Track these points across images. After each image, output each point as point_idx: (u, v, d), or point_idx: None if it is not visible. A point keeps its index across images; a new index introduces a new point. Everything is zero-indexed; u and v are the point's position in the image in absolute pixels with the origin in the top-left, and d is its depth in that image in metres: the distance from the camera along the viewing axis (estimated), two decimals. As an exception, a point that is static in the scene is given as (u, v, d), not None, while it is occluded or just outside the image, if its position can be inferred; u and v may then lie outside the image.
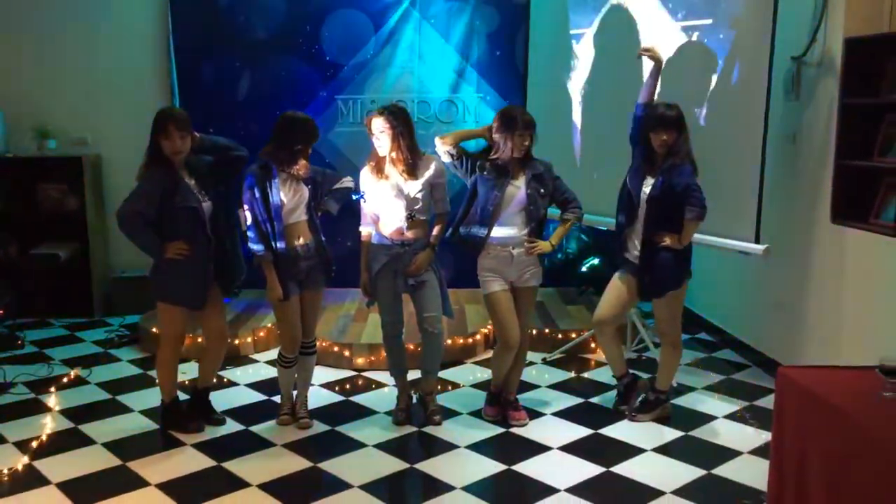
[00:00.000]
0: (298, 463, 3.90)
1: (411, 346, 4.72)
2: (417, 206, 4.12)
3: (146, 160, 3.93)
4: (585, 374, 5.16)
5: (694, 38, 4.84)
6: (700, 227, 4.10)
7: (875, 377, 2.95)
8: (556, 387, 4.93)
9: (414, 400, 4.50)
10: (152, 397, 4.56)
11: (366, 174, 4.19)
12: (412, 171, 4.09)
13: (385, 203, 4.13)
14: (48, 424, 4.37)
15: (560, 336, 5.58)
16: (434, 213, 4.24)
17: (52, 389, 4.89)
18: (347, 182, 4.25)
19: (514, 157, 4.07)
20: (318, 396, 4.71)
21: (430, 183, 4.14)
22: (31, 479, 3.72)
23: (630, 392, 4.44)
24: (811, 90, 4.61)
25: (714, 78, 4.72)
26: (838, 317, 4.39)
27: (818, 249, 4.57)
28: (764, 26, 4.30)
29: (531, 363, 5.23)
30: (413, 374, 4.48)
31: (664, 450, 4.04)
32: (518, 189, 4.10)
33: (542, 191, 4.13)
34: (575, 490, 3.62)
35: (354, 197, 4.26)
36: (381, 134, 4.04)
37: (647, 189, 4.09)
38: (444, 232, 4.24)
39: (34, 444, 4.11)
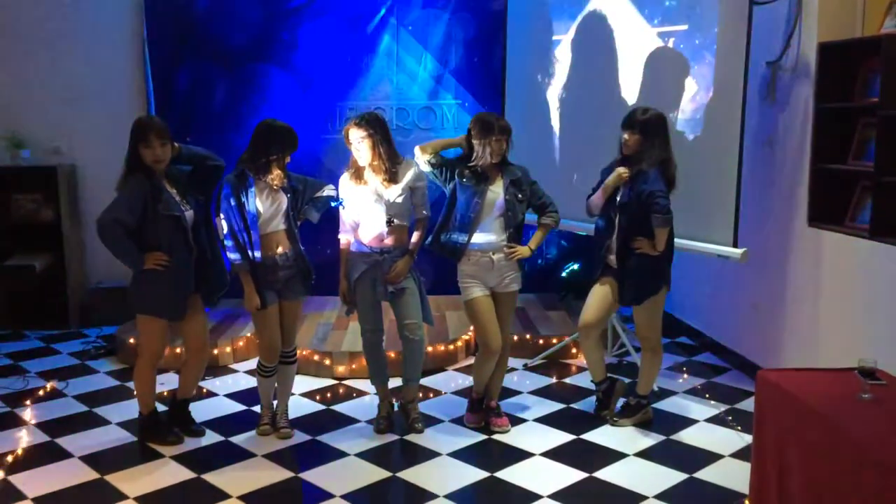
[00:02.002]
0: (279, 473, 3.87)
1: (392, 354, 4.70)
2: (397, 211, 4.11)
3: (126, 170, 3.88)
4: (567, 380, 5.17)
5: (670, 43, 4.87)
6: (676, 230, 4.12)
7: (853, 379, 2.98)
8: (538, 393, 4.93)
9: (395, 408, 4.48)
10: (130, 409, 4.50)
11: (345, 181, 4.18)
12: (392, 178, 4.08)
13: (365, 209, 4.12)
14: (24, 438, 4.30)
15: (541, 342, 5.58)
16: (414, 219, 4.24)
17: (28, 402, 4.82)
18: (329, 190, 4.24)
19: (492, 163, 4.08)
20: (298, 406, 4.67)
21: (410, 187, 4.13)
22: (6, 495, 3.66)
23: (609, 396, 4.45)
24: (786, 95, 4.66)
25: (690, 83, 4.75)
26: (816, 319, 4.42)
27: (795, 252, 4.61)
28: (739, 32, 4.33)
29: (512, 369, 5.22)
30: (394, 382, 4.46)
31: (646, 454, 4.05)
32: (497, 195, 4.11)
33: (519, 196, 4.14)
34: (558, 496, 3.62)
35: (333, 204, 4.24)
36: (360, 144, 4.02)
37: (618, 196, 4.11)
38: (424, 239, 4.23)
39: (9, 458, 4.05)
